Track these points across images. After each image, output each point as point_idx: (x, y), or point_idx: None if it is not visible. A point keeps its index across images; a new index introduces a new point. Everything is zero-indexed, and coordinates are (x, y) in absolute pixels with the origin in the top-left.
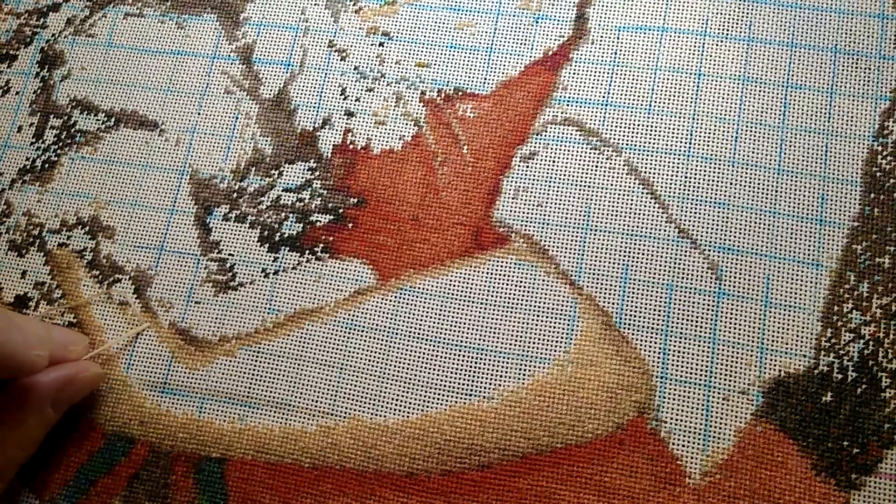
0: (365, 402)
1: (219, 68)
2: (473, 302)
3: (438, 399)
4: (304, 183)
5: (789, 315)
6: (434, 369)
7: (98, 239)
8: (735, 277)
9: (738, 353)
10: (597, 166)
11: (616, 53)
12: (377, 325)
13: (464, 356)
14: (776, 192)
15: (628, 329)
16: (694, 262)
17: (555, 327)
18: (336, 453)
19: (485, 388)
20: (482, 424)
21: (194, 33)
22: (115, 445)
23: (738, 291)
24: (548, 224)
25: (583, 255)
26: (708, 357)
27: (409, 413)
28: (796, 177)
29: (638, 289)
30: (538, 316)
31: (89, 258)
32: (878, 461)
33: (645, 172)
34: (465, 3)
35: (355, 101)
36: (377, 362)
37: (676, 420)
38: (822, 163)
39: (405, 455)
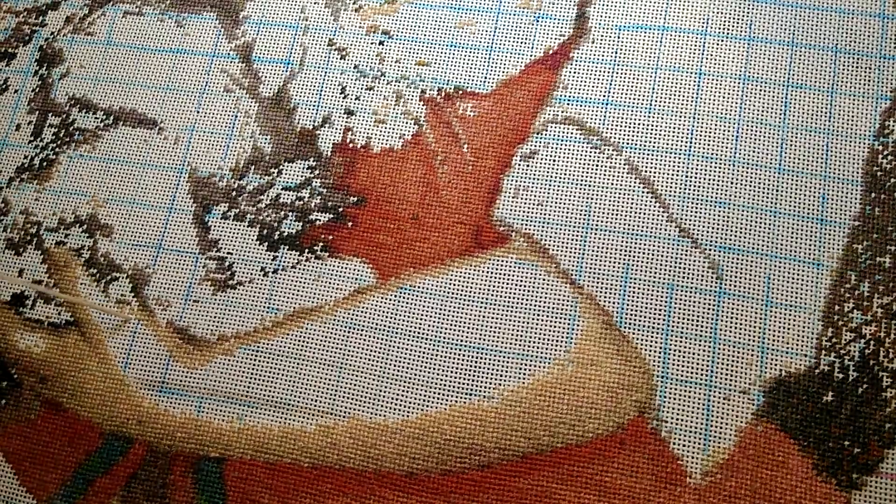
0: (365, 402)
1: (218, 66)
2: (474, 301)
3: (438, 399)
4: (304, 181)
5: (790, 314)
6: (434, 369)
7: (96, 237)
8: (736, 277)
9: (738, 352)
10: (597, 165)
11: (617, 53)
12: (377, 324)
13: (464, 356)
14: (777, 191)
15: (629, 328)
16: (695, 261)
17: (555, 327)
18: (336, 453)
19: (485, 387)
20: (482, 424)
21: (194, 31)
22: (113, 445)
23: (739, 291)
24: (548, 223)
25: (583, 254)
26: (709, 357)
27: (409, 413)
28: (797, 176)
29: (639, 288)
30: (538, 315)
31: (87, 256)
32: (879, 461)
33: (646, 172)
34: (465, 2)
35: (355, 99)
36: (377, 362)
37: (677, 420)
38: (822, 162)
39: (405, 455)
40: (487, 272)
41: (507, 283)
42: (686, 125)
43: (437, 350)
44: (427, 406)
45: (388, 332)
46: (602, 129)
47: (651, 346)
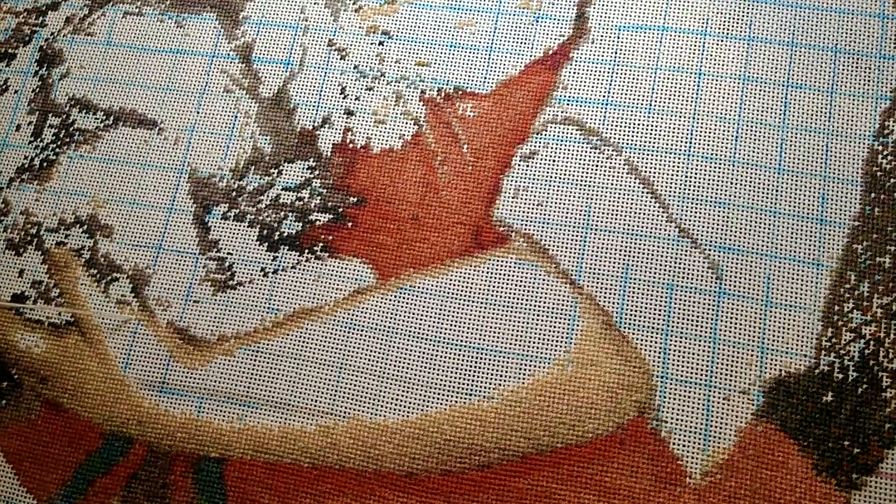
0: (365, 402)
1: (218, 67)
2: (473, 302)
3: (438, 399)
4: (304, 182)
5: (790, 315)
6: (434, 369)
7: (96, 238)
8: (736, 277)
9: (738, 352)
10: (597, 166)
11: (616, 53)
12: (377, 324)
13: (464, 356)
14: (777, 191)
15: (629, 329)
16: (694, 261)
17: (555, 327)
18: (336, 453)
19: (485, 387)
20: (482, 424)
21: (193, 32)
22: (114, 445)
23: (739, 291)
24: (548, 223)
25: (583, 254)
26: (709, 357)
27: (409, 413)
28: (797, 176)
29: (638, 288)
30: (538, 315)
31: (87, 257)
32: (879, 461)
33: (645, 172)
34: (465, 2)
35: (355, 99)
36: (377, 362)
37: (677, 420)
38: (822, 162)
39: (405, 455)
40: (487, 272)
41: (507, 283)
42: (686, 125)
43: (437, 350)
44: (427, 406)
45: (388, 332)
46: (602, 129)
47: (651, 346)
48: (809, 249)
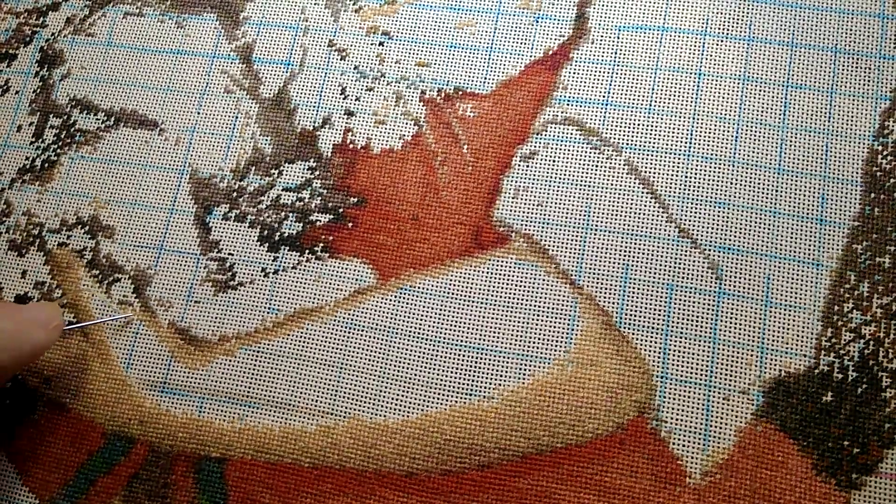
0: (365, 402)
1: (219, 68)
2: (473, 302)
3: (438, 399)
4: (304, 182)
5: (790, 315)
6: (434, 369)
7: (98, 238)
8: (735, 277)
9: (738, 352)
10: (597, 166)
11: (616, 53)
12: (377, 324)
13: (464, 356)
14: (776, 191)
15: (629, 329)
16: (694, 261)
17: (555, 327)
18: (336, 453)
19: (485, 387)
20: (482, 424)
21: (194, 32)
22: (115, 445)
23: (739, 291)
24: (548, 224)
25: (583, 254)
26: (708, 357)
27: (409, 413)
28: (796, 176)
29: (638, 289)
30: (538, 316)
31: (89, 258)
32: (879, 461)
33: (645, 172)
34: (465, 3)
35: (355, 100)
36: (377, 362)
37: (677, 420)
38: (822, 163)
39: (405, 455)
40: (487, 272)
41: (507, 284)
42: (686, 125)
43: (437, 350)
44: (427, 406)
45: (389, 332)
46: (602, 129)
47: (651, 346)
48: (809, 249)
